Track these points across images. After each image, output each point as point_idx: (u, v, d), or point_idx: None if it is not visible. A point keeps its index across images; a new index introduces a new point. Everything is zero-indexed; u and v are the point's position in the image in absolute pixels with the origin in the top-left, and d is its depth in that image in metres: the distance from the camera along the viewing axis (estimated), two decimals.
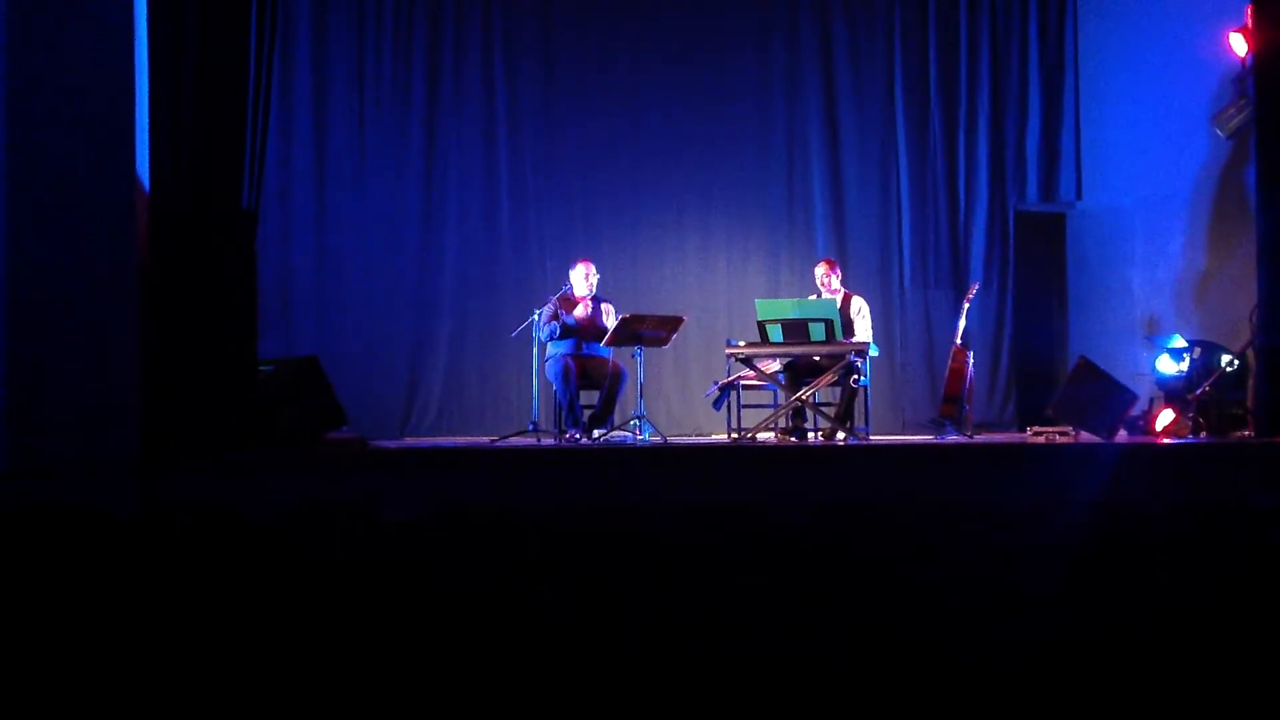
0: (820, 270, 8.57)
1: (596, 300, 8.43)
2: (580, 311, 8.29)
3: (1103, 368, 8.05)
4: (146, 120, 6.53)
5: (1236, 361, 8.27)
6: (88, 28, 6.37)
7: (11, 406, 6.20)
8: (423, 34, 9.90)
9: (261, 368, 7.04)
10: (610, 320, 8.34)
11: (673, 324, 8.23)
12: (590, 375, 8.27)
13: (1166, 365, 8.63)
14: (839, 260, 9.05)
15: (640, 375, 8.17)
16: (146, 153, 6.53)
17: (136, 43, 6.49)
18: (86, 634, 2.64)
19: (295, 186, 9.63)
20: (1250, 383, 8.17)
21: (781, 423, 8.28)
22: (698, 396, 9.63)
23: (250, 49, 6.74)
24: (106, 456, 6.10)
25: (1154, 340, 8.99)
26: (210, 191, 6.69)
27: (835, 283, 8.50)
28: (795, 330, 7.94)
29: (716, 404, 8.50)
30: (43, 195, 6.33)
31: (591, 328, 8.30)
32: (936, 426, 8.77)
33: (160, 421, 6.38)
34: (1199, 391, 8.14)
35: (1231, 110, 8.85)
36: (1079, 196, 10.30)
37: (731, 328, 9.72)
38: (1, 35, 6.26)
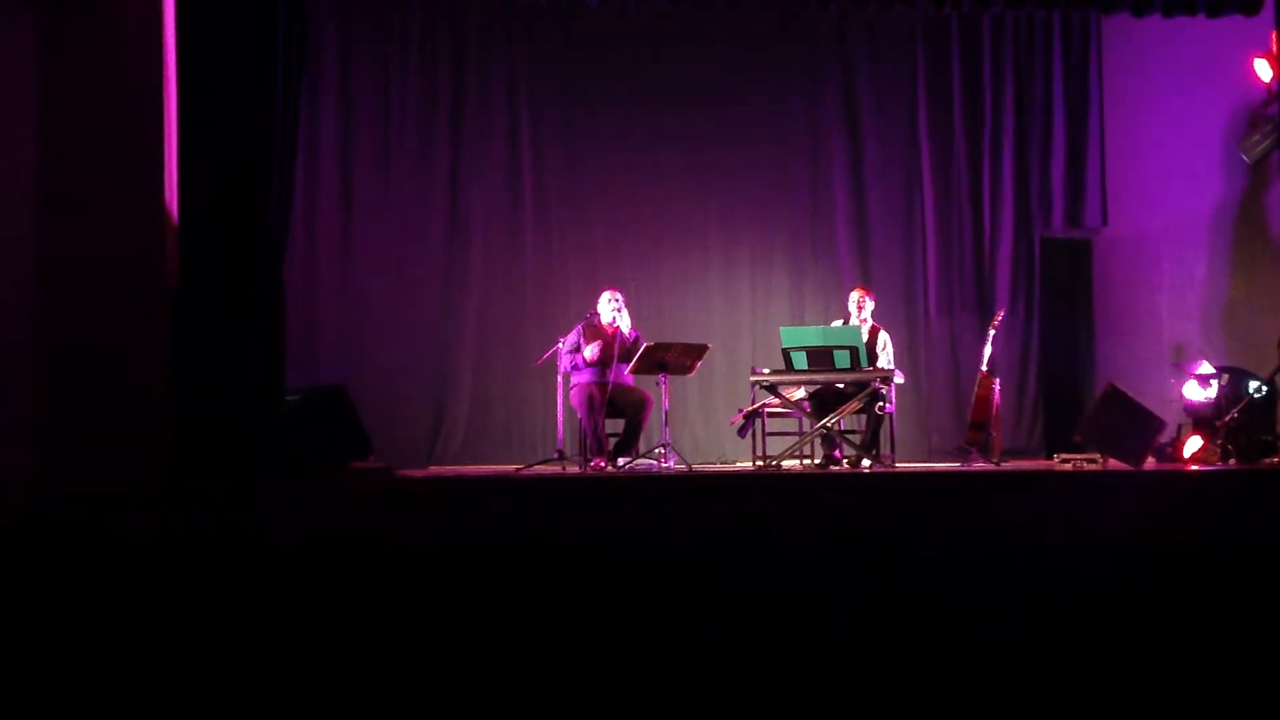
0: (855, 296, 8.55)
1: (619, 335, 8.30)
2: (591, 353, 8.18)
3: (1130, 394, 8.01)
4: (176, 154, 6.64)
5: (1265, 388, 8.20)
6: (118, 64, 6.48)
7: (41, 430, 6.28)
8: (447, 67, 9.96)
9: (288, 397, 7.09)
10: (625, 320, 8.25)
11: (698, 352, 8.21)
12: (615, 403, 8.26)
13: (1194, 391, 8.57)
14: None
15: (665, 402, 8.16)
16: (176, 185, 6.64)
17: (167, 78, 6.60)
18: None
19: (321, 218, 9.68)
20: (1279, 409, 8.11)
21: (807, 450, 8.26)
22: (723, 424, 9.61)
23: (278, 85, 6.87)
24: (133, 481, 6.16)
25: (1182, 366, 8.93)
26: (237, 223, 6.79)
27: (867, 312, 8.49)
28: (820, 357, 7.93)
29: (741, 431, 8.49)
30: (74, 227, 6.44)
31: (617, 350, 8.17)
32: (963, 454, 8.73)
33: (186, 448, 6.44)
34: (1227, 418, 8.09)
35: (1257, 136, 8.83)
36: (1104, 223, 10.26)
37: (755, 355, 9.71)
38: (34, 70, 6.37)
